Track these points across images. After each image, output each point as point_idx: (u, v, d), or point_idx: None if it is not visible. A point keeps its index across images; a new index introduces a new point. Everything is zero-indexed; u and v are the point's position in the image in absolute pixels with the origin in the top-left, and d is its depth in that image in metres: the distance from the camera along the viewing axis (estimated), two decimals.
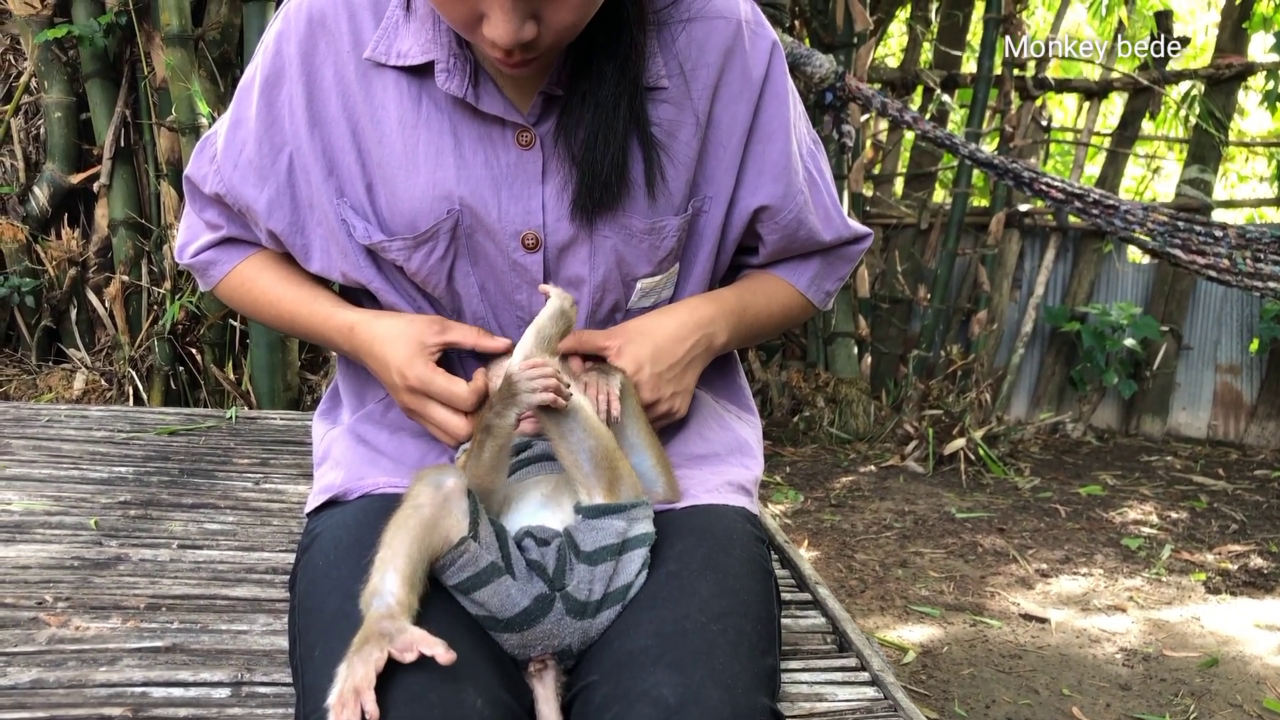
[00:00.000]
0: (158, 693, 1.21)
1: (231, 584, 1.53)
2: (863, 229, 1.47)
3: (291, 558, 1.63)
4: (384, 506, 1.23)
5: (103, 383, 3.40)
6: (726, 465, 1.35)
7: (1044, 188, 3.32)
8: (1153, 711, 2.69)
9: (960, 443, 4.81)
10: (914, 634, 3.08)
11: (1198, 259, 3.25)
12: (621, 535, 1.06)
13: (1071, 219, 5.71)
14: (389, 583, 0.95)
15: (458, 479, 1.04)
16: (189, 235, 1.42)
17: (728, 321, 1.35)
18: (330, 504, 1.29)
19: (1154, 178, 8.26)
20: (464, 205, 1.24)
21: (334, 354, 3.61)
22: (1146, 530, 4.09)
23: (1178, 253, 3.25)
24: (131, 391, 3.37)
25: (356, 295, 1.39)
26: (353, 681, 0.88)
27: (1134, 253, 6.09)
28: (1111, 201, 3.32)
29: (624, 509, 1.08)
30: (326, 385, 3.45)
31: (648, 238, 1.28)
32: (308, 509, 1.33)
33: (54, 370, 3.53)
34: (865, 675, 1.36)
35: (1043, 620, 3.21)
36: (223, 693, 1.23)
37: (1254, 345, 5.65)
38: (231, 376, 3.34)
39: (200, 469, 2.02)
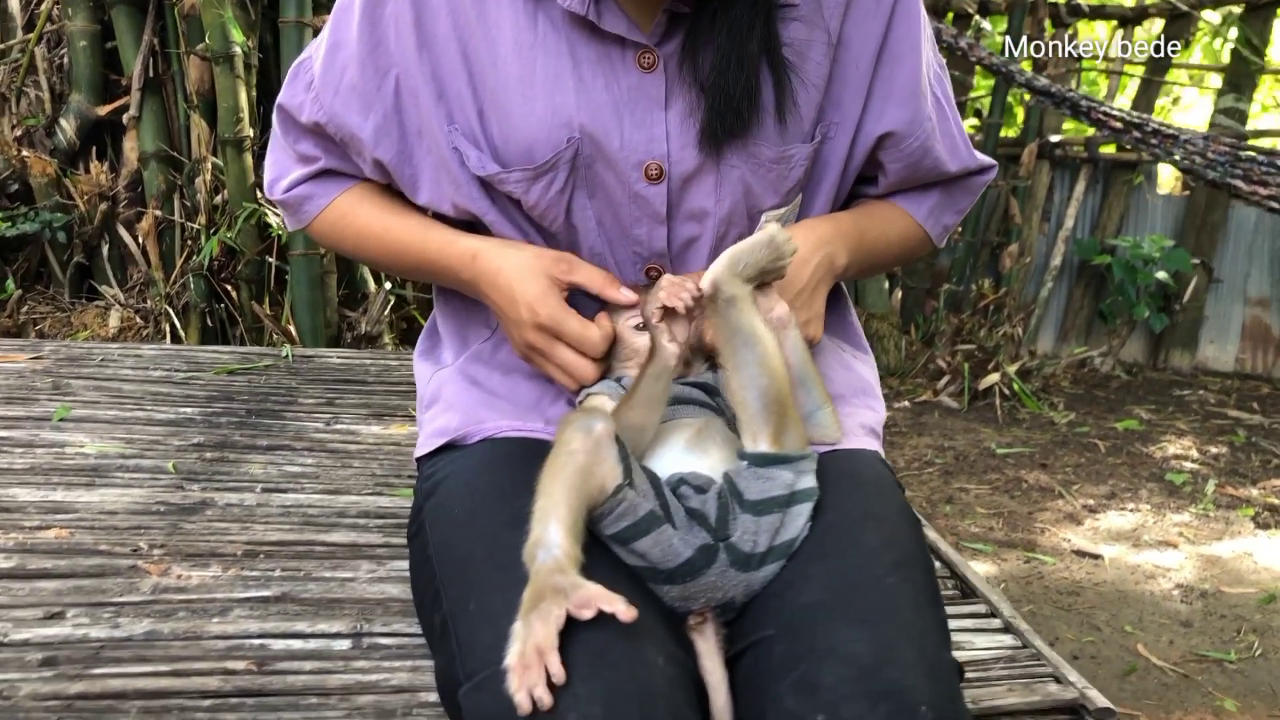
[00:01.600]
0: (277, 645, 1.17)
1: (325, 529, 1.48)
2: (988, 160, 1.40)
3: (381, 501, 1.59)
4: (512, 451, 1.18)
5: (138, 320, 3.33)
6: (854, 407, 1.29)
7: (1102, 117, 3.23)
8: (1216, 648, 2.67)
9: (995, 378, 4.77)
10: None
11: (1259, 190, 3.17)
12: (790, 488, 1.01)
13: (1103, 149, 5.62)
14: (553, 534, 0.89)
15: (606, 423, 0.98)
16: (279, 169, 1.34)
17: (846, 243, 1.28)
18: (447, 448, 1.23)
19: (1174, 108, 8.12)
20: (584, 133, 1.16)
21: (408, 289, 3.55)
22: (1188, 465, 4.06)
23: (1239, 183, 3.17)
24: (169, 329, 3.30)
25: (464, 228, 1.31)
26: (534, 641, 0.82)
27: (1164, 183, 6.00)
28: (1171, 131, 3.23)
29: (792, 460, 1.02)
30: (366, 322, 3.39)
31: (776, 167, 1.21)
32: (419, 452, 1.27)
33: (88, 308, 3.45)
34: (997, 622, 1.32)
35: (1095, 557, 3.18)
36: (343, 644, 1.18)
37: None
38: (269, 313, 3.28)
39: (267, 409, 1.96)
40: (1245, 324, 5.82)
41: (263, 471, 1.67)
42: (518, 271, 1.19)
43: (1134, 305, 5.39)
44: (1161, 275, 5.32)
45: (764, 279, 1.10)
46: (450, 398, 1.28)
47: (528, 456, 1.15)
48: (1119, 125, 3.22)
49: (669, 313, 1.05)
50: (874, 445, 1.26)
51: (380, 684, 1.11)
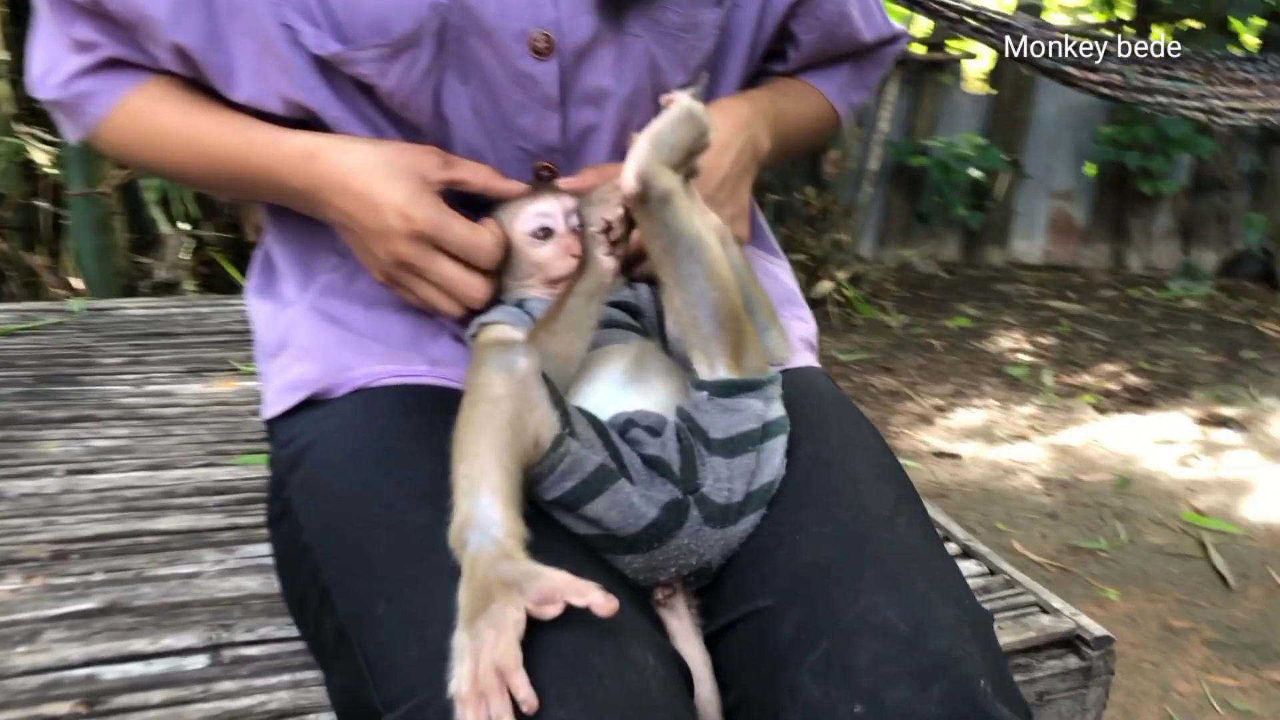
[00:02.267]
0: (110, 673, 0.91)
1: (152, 514, 1.21)
2: (900, 27, 1.24)
3: (217, 474, 1.32)
4: (395, 402, 0.94)
5: None
6: (784, 320, 1.11)
7: (936, 6, 3.13)
8: (1085, 537, 2.67)
9: (828, 286, 4.72)
10: None
11: (1090, 76, 3.14)
12: (761, 419, 0.81)
13: (912, 49, 5.60)
14: (486, 508, 0.68)
15: (530, 358, 0.76)
16: (51, 60, 1.04)
17: (767, 122, 1.10)
18: (307, 405, 0.99)
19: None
20: None
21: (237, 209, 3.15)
22: (1023, 358, 4.11)
23: (1071, 70, 3.13)
24: None
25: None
26: (490, 657, 0.61)
27: (969, 81, 6.07)
28: (1004, 19, 3.16)
29: (760, 385, 0.83)
30: (163, 268, 3.01)
31: (684, 36, 1.01)
32: (270, 412, 1.02)
33: None
34: (954, 547, 1.18)
35: (955, 456, 3.16)
36: (198, 661, 0.94)
37: (1090, 169, 5.74)
38: (47, 264, 2.86)
39: (60, 375, 1.64)
40: (1051, 217, 5.98)
41: (63, 450, 1.37)
42: (377, 170, 0.94)
43: (951, 205, 5.44)
44: (975, 173, 5.38)
45: (689, 163, 0.89)
46: (303, 342, 1.03)
47: (417, 407, 0.93)
48: (954, 15, 3.12)
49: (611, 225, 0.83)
50: (814, 361, 1.09)
51: (255, 710, 0.87)
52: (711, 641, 0.79)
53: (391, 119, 1.00)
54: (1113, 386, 3.78)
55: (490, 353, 0.77)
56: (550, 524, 0.77)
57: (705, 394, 0.82)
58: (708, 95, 1.10)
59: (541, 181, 1.03)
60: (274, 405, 1.02)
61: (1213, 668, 2.10)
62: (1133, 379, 3.87)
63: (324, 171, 0.96)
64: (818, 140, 1.26)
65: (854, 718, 0.66)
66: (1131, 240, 5.86)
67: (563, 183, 1.01)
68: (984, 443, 3.27)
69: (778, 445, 0.82)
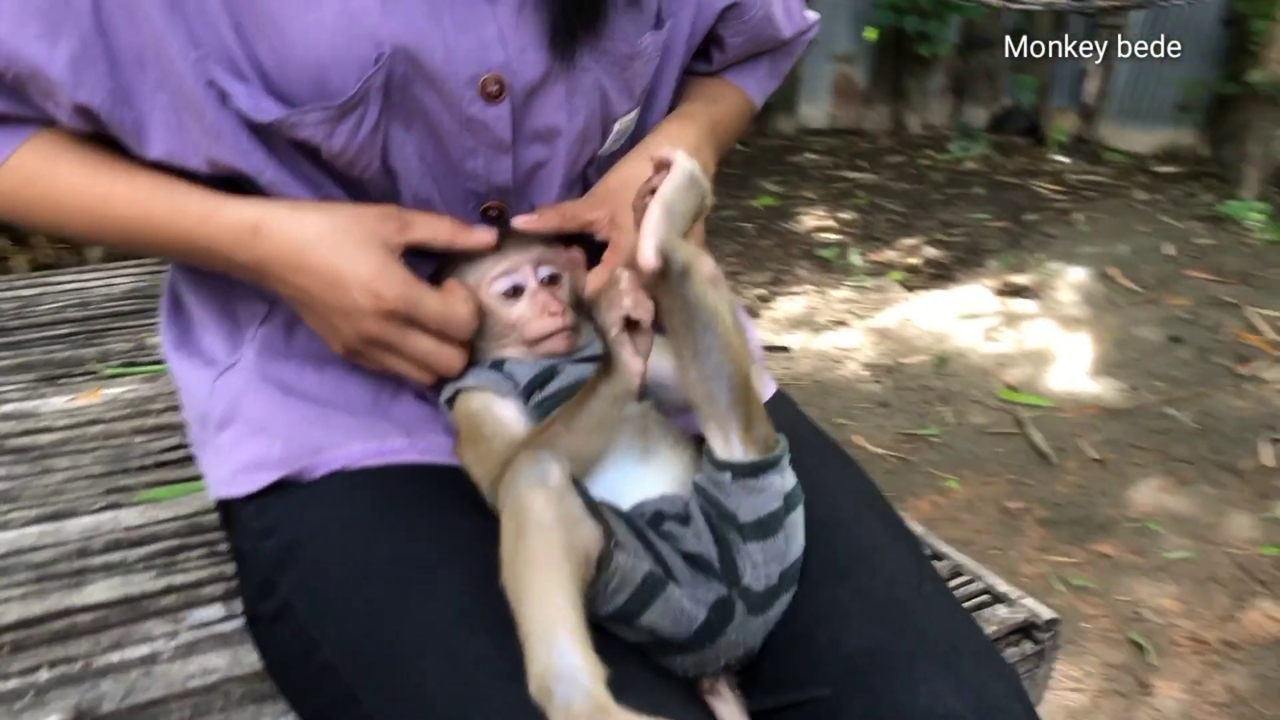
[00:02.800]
0: None
1: (73, 581, 1.12)
2: (814, 16, 1.25)
3: (125, 518, 1.23)
4: (386, 490, 0.91)
5: None
6: None
7: None
8: (916, 424, 2.85)
9: None
10: None
11: None
12: (782, 494, 0.83)
13: None
14: (568, 656, 0.67)
15: (560, 465, 0.75)
16: None
17: (709, 144, 1.10)
18: (275, 485, 0.93)
19: None
20: (397, 48, 0.87)
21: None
22: (830, 237, 4.26)
23: None
24: None
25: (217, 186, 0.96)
26: None
27: None
28: None
29: (779, 460, 0.84)
30: None
31: (632, 64, 0.99)
32: (226, 492, 0.96)
33: None
34: None
35: (785, 350, 3.28)
36: None
37: (870, 33, 5.89)
38: None
39: None
40: (835, 80, 6.13)
41: None
42: (336, 242, 0.89)
43: None
44: None
45: (692, 228, 0.88)
46: (256, 415, 0.97)
47: (412, 499, 0.90)
48: None
49: (634, 321, 0.80)
50: (773, 385, 1.11)
51: None
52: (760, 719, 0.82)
53: (332, 174, 0.94)
54: (915, 261, 3.99)
55: (523, 466, 0.75)
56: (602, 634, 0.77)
57: (729, 475, 0.82)
58: (645, 112, 1.07)
59: (492, 222, 0.99)
60: (232, 486, 0.96)
61: (1049, 546, 2.31)
62: (932, 251, 4.09)
63: (273, 246, 0.89)
64: (741, 137, 1.26)
65: None
66: (909, 101, 6.09)
67: (521, 224, 0.97)
68: (809, 332, 3.40)
69: (798, 518, 0.84)
